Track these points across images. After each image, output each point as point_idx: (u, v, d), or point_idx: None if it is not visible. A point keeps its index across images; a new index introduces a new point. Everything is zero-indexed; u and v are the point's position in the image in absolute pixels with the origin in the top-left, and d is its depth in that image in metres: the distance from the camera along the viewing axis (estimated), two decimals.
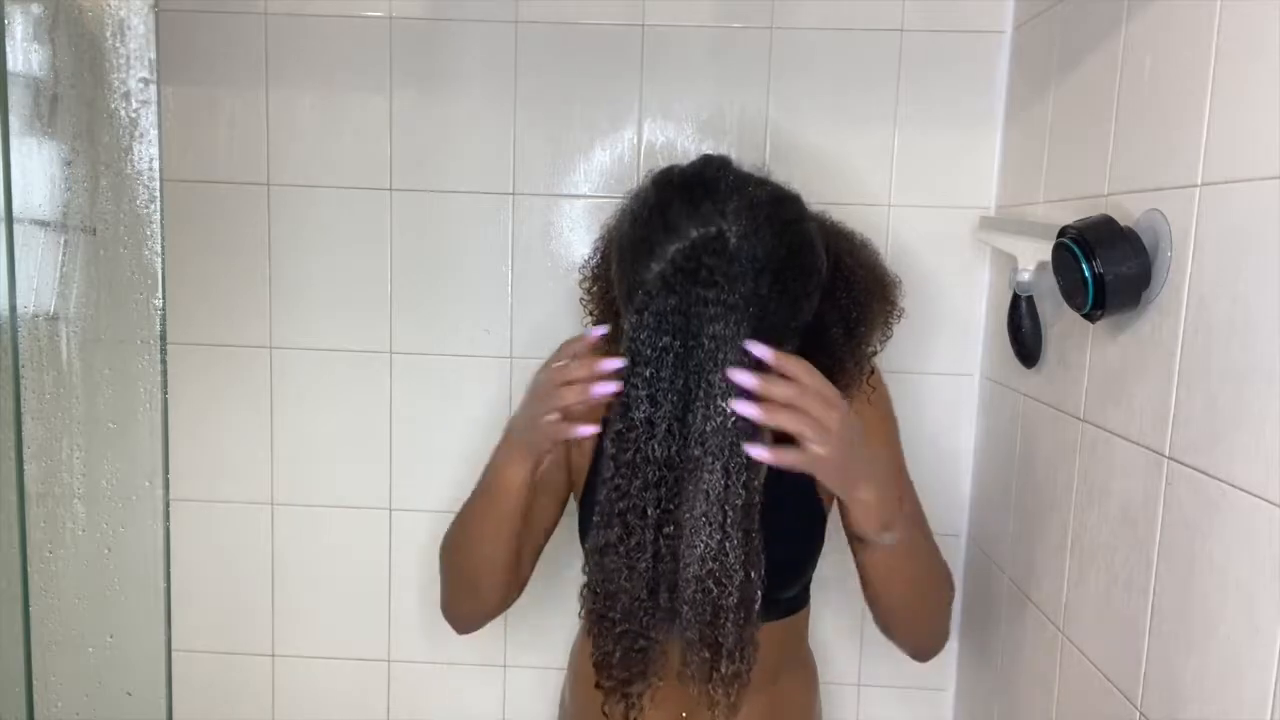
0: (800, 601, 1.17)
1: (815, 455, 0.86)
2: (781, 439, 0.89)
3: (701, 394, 0.86)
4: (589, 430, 0.90)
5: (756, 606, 0.93)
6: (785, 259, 0.90)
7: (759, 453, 0.86)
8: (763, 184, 0.95)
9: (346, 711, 1.57)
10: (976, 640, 1.44)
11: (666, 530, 0.90)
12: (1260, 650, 0.74)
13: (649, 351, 0.87)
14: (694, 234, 0.88)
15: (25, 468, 0.97)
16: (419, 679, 1.56)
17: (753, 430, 0.87)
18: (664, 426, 0.87)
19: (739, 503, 0.89)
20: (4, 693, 0.99)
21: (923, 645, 1.11)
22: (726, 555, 0.90)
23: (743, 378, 0.85)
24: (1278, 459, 0.74)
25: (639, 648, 0.94)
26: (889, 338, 1.11)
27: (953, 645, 1.51)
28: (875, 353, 1.10)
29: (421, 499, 1.52)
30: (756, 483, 0.91)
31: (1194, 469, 0.85)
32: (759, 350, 0.86)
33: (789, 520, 1.02)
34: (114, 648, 1.10)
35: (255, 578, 1.55)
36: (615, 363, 0.87)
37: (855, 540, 0.99)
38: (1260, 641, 0.75)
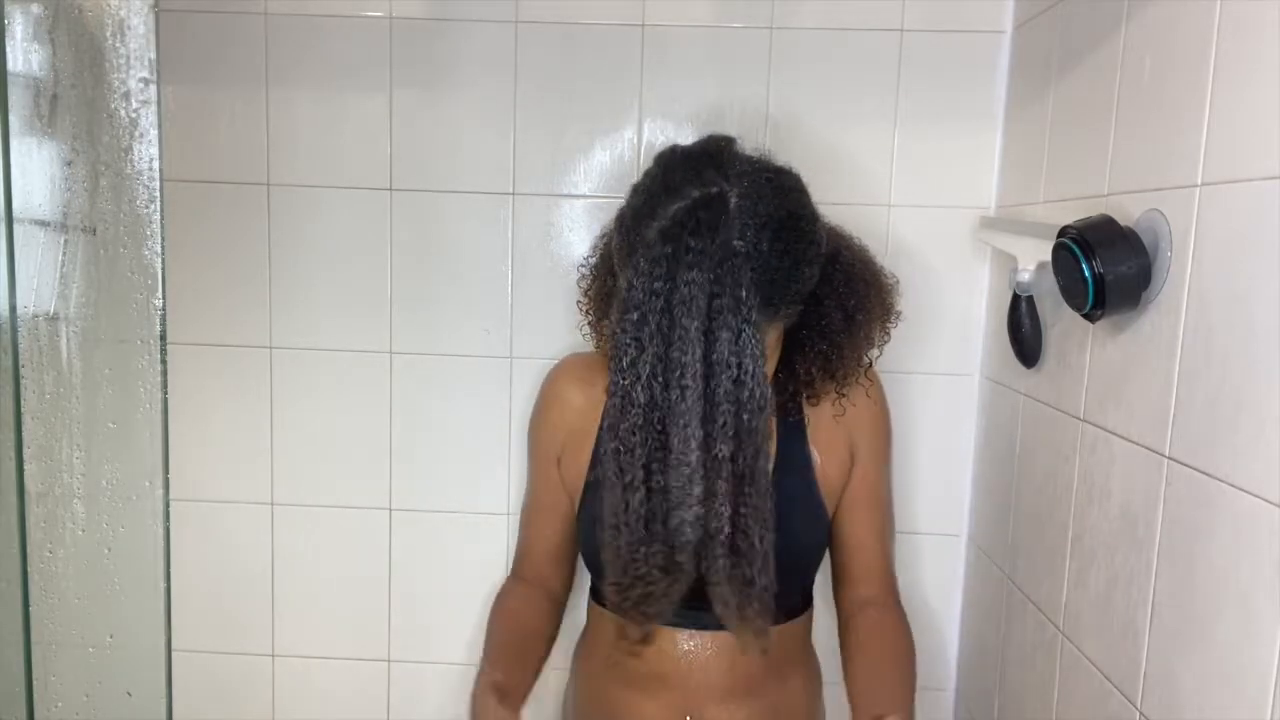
0: (803, 604, 1.17)
1: None
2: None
3: (676, 338, 0.87)
4: None
5: (756, 550, 0.93)
6: (786, 219, 0.92)
7: None
8: (765, 160, 0.98)
9: (346, 711, 1.57)
10: (976, 640, 1.44)
11: (655, 470, 0.91)
12: (1260, 650, 0.74)
13: (639, 296, 0.88)
14: (695, 194, 0.90)
15: (25, 468, 0.97)
16: (419, 679, 1.56)
17: (706, 367, 0.88)
18: (648, 370, 0.88)
19: (726, 450, 0.90)
20: (4, 693, 0.99)
21: None
22: (715, 498, 0.91)
23: None
24: (1278, 459, 0.74)
25: (648, 577, 0.95)
26: (887, 340, 1.11)
27: (953, 645, 1.51)
28: (876, 355, 1.11)
29: (421, 499, 1.52)
30: (754, 436, 0.91)
31: (1194, 469, 0.85)
32: None
33: (792, 523, 1.02)
34: (114, 648, 1.10)
35: (255, 578, 1.55)
36: None
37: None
38: (1260, 642, 0.75)
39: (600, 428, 1.11)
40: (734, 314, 0.87)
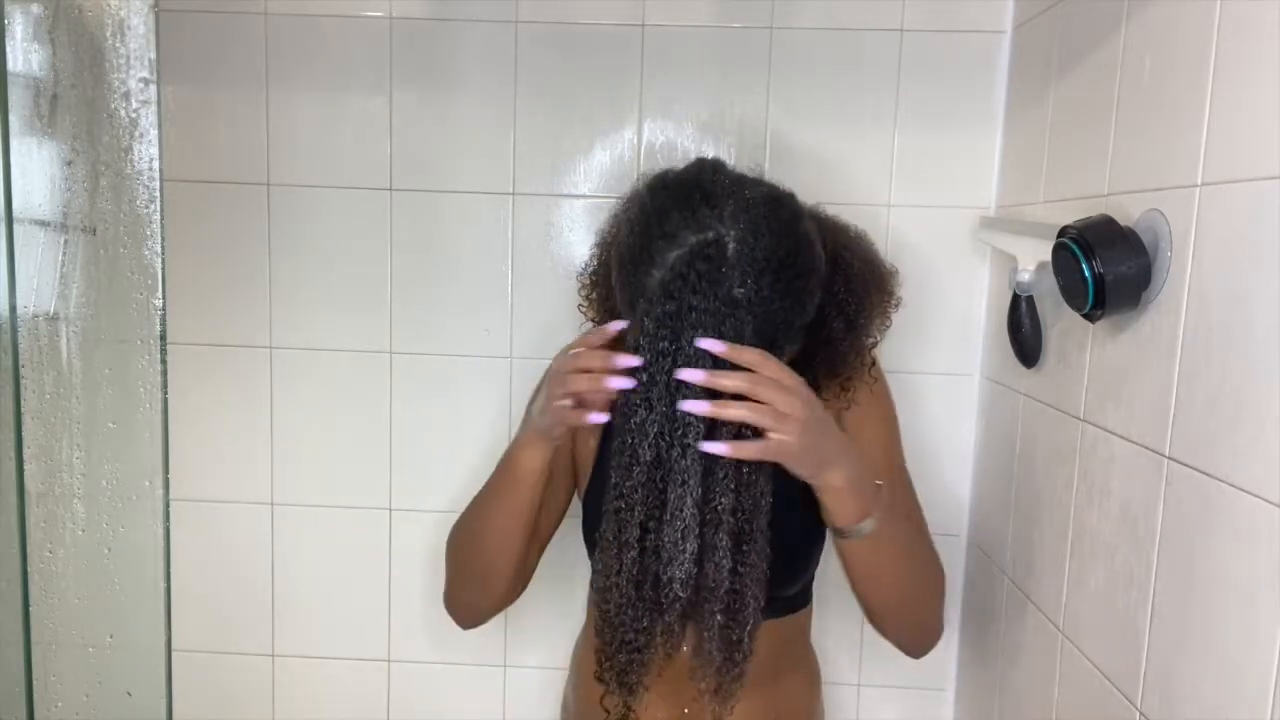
0: (802, 600, 1.17)
1: (778, 443, 0.87)
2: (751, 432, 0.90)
3: (683, 397, 0.87)
4: (600, 418, 0.91)
5: (749, 611, 0.93)
6: (784, 258, 0.91)
7: (714, 447, 0.86)
8: (757, 185, 0.95)
9: (346, 711, 1.57)
10: (976, 640, 1.44)
11: (651, 530, 0.91)
12: (1260, 650, 0.74)
13: (646, 355, 0.88)
14: (692, 240, 0.89)
15: (25, 468, 0.97)
16: (419, 679, 1.56)
17: (709, 426, 0.87)
18: (654, 430, 0.88)
19: (727, 505, 0.90)
20: (4, 693, 0.99)
21: (915, 639, 1.11)
22: (715, 558, 0.91)
23: (690, 374, 0.86)
24: (1278, 459, 0.74)
25: (633, 643, 0.94)
26: (888, 326, 1.11)
27: (953, 645, 1.51)
28: (875, 343, 1.11)
29: (421, 499, 1.52)
30: (754, 489, 0.92)
31: (1194, 469, 0.85)
32: (710, 345, 0.86)
33: (789, 518, 1.02)
34: (114, 648, 1.10)
35: (255, 578, 1.55)
36: (631, 360, 0.88)
37: (836, 534, 0.99)
38: (1260, 641, 0.75)
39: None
40: (730, 365, 0.87)
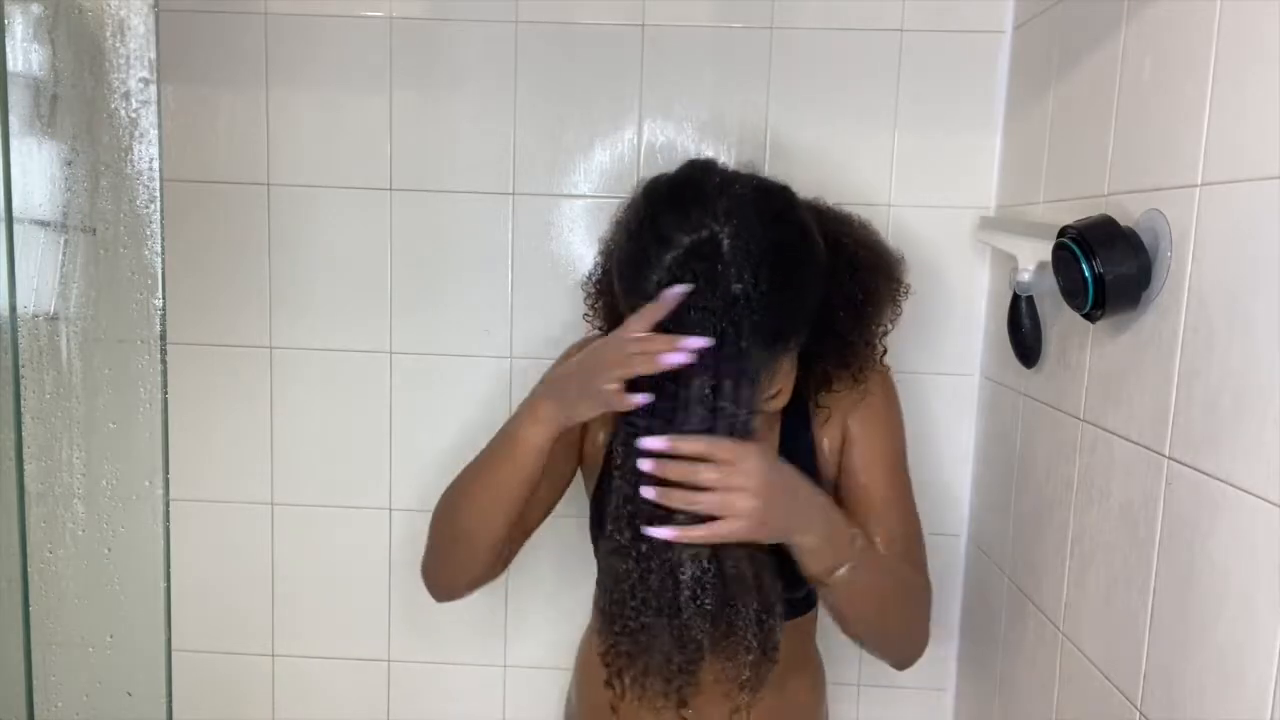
0: (807, 603, 1.16)
1: (728, 528, 0.88)
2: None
3: (684, 401, 0.88)
4: (643, 399, 0.89)
5: (766, 611, 0.95)
6: (780, 249, 0.91)
7: (660, 533, 0.88)
8: (749, 179, 0.95)
9: (346, 711, 1.57)
10: (976, 640, 1.44)
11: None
12: (1260, 650, 0.74)
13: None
14: (686, 241, 0.89)
15: (25, 468, 0.97)
16: (419, 679, 1.56)
17: (666, 513, 0.89)
18: (627, 511, 0.91)
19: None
20: (4, 693, 0.99)
21: (898, 657, 1.09)
22: (725, 561, 0.92)
23: (651, 442, 0.87)
24: (1278, 459, 0.74)
25: (642, 644, 0.95)
26: (899, 314, 1.11)
27: (953, 645, 1.51)
28: (886, 331, 1.10)
29: (421, 499, 1.51)
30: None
31: (1194, 469, 0.85)
32: (652, 444, 0.87)
33: None
34: (114, 648, 1.10)
35: (255, 578, 1.55)
36: (700, 341, 0.87)
37: (810, 579, 0.98)
38: (1260, 641, 0.75)
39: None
40: (734, 363, 0.88)
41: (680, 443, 0.87)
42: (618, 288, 0.97)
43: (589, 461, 1.14)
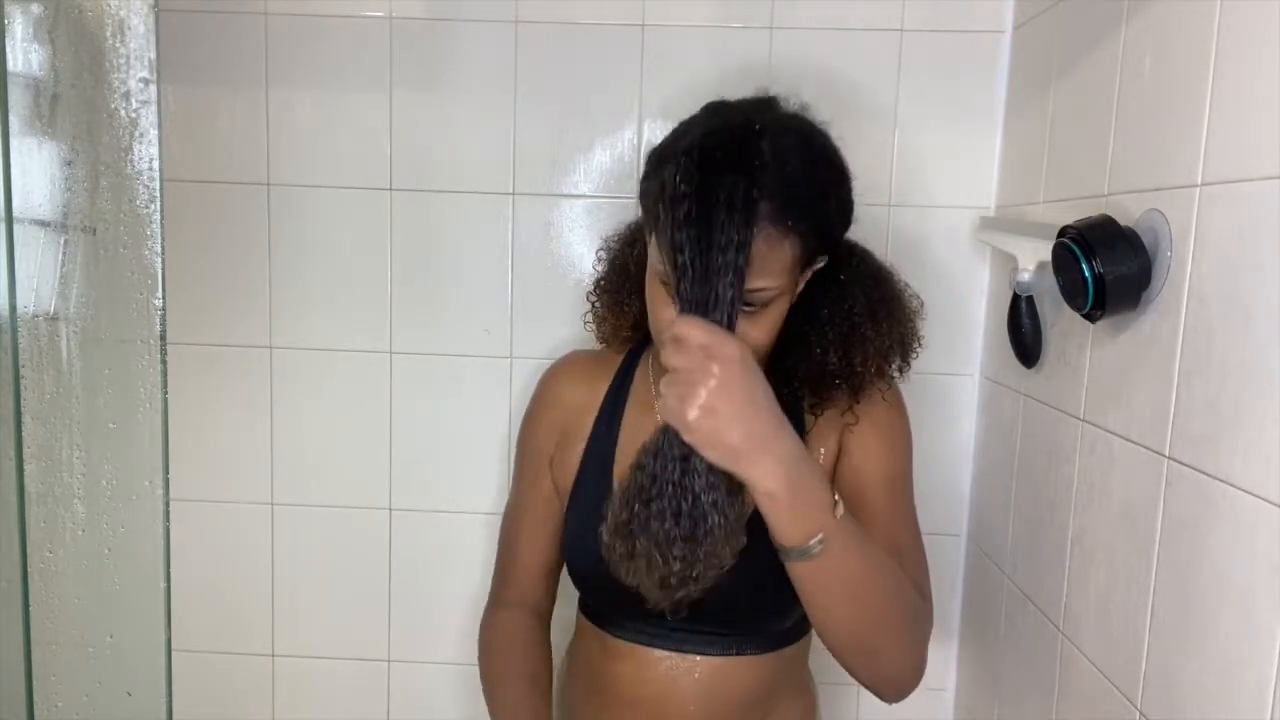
0: (798, 631, 1.12)
1: (671, 416, 0.79)
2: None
3: (713, 300, 0.82)
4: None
5: (711, 522, 0.84)
6: (816, 148, 0.96)
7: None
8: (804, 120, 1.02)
9: (346, 711, 1.57)
10: (976, 640, 1.44)
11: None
12: (1260, 650, 0.74)
13: (679, 236, 0.84)
14: (731, 122, 0.93)
15: (25, 468, 0.97)
16: (419, 679, 1.56)
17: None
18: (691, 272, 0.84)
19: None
20: (4, 693, 0.99)
21: (887, 677, 0.96)
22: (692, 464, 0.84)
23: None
24: (1278, 459, 0.74)
25: (632, 520, 0.88)
26: (908, 369, 1.08)
27: (953, 645, 1.51)
28: (894, 379, 1.08)
29: (421, 499, 1.52)
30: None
31: (1194, 469, 0.85)
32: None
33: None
34: (114, 648, 1.10)
35: (255, 578, 1.55)
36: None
37: (780, 554, 0.85)
38: (1260, 641, 0.75)
39: (594, 427, 1.11)
40: (738, 209, 0.83)
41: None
42: (646, 169, 0.98)
43: (560, 483, 1.14)
